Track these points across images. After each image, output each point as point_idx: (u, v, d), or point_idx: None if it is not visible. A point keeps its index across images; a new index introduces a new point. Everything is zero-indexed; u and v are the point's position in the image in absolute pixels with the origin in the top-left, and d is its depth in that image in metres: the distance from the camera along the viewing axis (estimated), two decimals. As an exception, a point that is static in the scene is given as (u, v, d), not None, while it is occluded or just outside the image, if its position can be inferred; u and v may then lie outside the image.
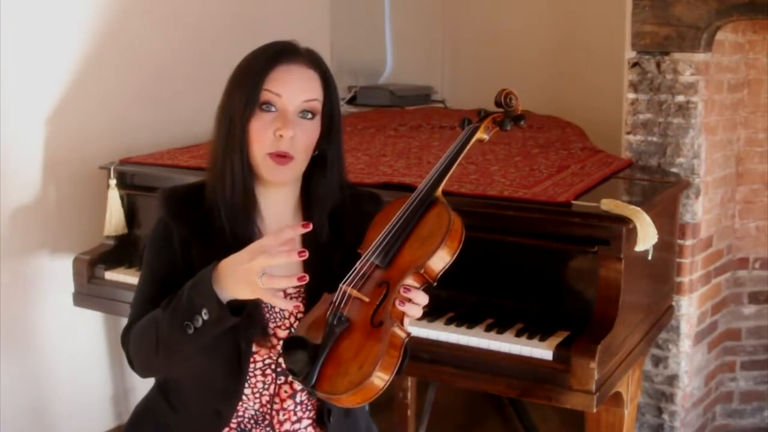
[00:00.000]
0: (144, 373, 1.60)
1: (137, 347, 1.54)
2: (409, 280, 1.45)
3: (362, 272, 1.48)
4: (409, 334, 1.43)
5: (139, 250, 2.73)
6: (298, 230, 1.39)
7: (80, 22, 2.97)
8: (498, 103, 1.73)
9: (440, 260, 1.46)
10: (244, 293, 1.39)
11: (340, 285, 1.47)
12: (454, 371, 2.13)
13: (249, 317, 1.51)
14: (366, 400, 1.39)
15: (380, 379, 1.37)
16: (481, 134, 1.69)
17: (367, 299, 1.45)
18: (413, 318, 1.44)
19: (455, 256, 1.47)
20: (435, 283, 1.47)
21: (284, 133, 1.50)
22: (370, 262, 1.49)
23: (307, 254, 1.37)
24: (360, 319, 1.44)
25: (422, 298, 1.44)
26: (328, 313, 1.45)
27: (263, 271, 1.36)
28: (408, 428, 2.77)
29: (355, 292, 1.46)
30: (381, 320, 1.42)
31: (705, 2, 2.66)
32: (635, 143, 2.84)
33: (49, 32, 2.87)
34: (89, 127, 3.02)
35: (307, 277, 1.39)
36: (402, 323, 1.42)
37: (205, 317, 1.40)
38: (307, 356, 1.40)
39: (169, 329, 1.45)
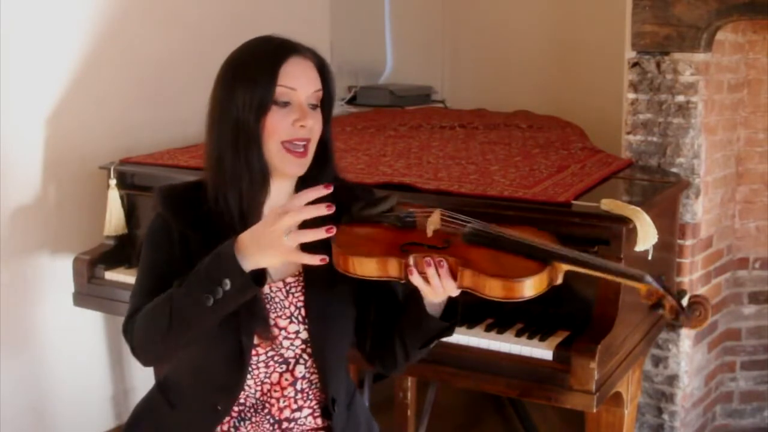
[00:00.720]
0: (148, 359, 1.58)
1: (145, 330, 1.52)
2: (453, 264, 1.45)
3: (459, 222, 1.54)
4: (400, 281, 1.48)
5: (139, 249, 2.73)
6: (319, 191, 1.40)
7: (80, 22, 2.97)
8: (683, 298, 1.50)
9: (473, 282, 1.45)
10: (269, 258, 1.41)
11: (438, 208, 1.54)
12: (454, 371, 2.13)
13: (250, 310, 1.52)
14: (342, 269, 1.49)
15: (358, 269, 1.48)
16: (642, 288, 1.49)
17: (429, 233, 1.49)
18: (424, 289, 1.47)
19: (481, 296, 1.45)
20: (455, 291, 1.47)
21: (306, 123, 1.54)
22: (471, 225, 1.53)
23: (334, 208, 1.40)
24: (406, 234, 1.50)
25: (448, 284, 1.45)
26: (412, 209, 1.55)
27: (289, 231, 1.38)
28: (408, 428, 2.77)
29: (436, 218, 1.51)
30: (408, 252, 1.46)
31: (705, 2, 2.66)
32: (635, 143, 2.84)
33: (49, 32, 2.87)
34: (89, 127, 3.02)
35: (335, 229, 1.41)
36: (410, 272, 1.45)
37: (227, 288, 1.41)
38: (369, 210, 1.55)
39: (186, 304, 1.44)
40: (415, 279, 1.46)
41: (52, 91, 2.91)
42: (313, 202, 1.40)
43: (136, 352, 1.57)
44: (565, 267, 1.47)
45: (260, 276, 1.44)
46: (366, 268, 1.48)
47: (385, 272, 1.47)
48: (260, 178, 1.56)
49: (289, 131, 1.54)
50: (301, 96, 1.55)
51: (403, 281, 1.48)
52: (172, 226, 1.58)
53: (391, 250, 1.47)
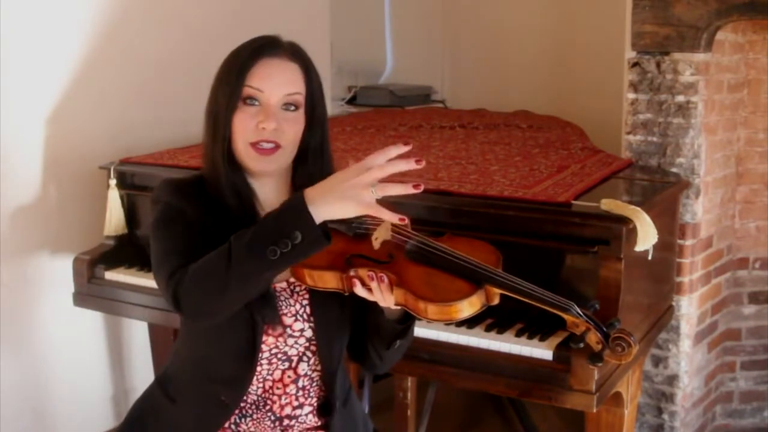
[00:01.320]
0: (196, 314, 1.50)
1: (198, 283, 1.45)
2: (392, 280, 1.46)
3: (407, 235, 1.52)
4: (344, 292, 1.49)
5: (139, 249, 2.73)
6: (401, 147, 1.41)
7: (80, 22, 2.97)
8: (613, 328, 1.53)
9: (406, 300, 1.46)
10: (346, 209, 1.39)
11: (397, 220, 1.45)
12: (454, 371, 2.13)
13: (261, 302, 1.53)
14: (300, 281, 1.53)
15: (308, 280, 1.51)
16: (568, 318, 1.52)
17: (376, 246, 1.47)
18: (370, 298, 1.48)
19: (415, 315, 1.47)
20: (393, 306, 1.49)
21: (266, 125, 1.54)
22: (413, 241, 1.52)
23: (423, 163, 1.41)
24: (356, 245, 1.49)
25: (388, 298, 1.46)
26: (366, 217, 1.50)
27: (374, 184, 1.38)
28: (408, 428, 2.77)
29: (384, 231, 1.48)
30: (352, 264, 1.46)
31: (705, 2, 2.66)
32: (635, 143, 2.84)
33: (49, 32, 2.87)
34: (89, 127, 3.02)
35: (422, 187, 1.40)
36: (353, 284, 1.47)
37: (297, 241, 1.37)
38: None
39: (249, 257, 1.40)
40: (359, 290, 1.48)
41: (52, 91, 2.91)
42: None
43: (181, 306, 1.47)
44: (499, 291, 1.48)
45: (328, 231, 1.41)
46: (317, 279, 1.49)
47: (331, 284, 1.49)
48: (228, 174, 1.57)
49: (254, 132, 1.55)
50: (270, 98, 1.55)
51: (346, 293, 1.50)
52: (186, 212, 1.56)
53: (336, 262, 1.47)
